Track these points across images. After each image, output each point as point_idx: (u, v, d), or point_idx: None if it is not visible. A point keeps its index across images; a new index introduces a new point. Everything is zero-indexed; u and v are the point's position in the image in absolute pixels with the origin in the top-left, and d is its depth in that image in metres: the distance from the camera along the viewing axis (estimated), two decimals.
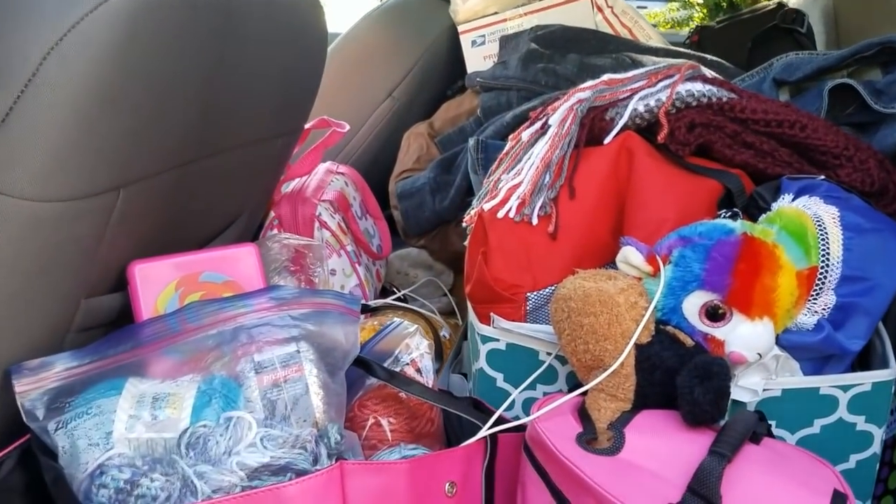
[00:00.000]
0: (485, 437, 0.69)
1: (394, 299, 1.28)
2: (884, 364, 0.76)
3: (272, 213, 1.12)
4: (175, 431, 0.62)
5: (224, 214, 0.97)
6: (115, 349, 0.67)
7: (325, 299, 0.72)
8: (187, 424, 0.63)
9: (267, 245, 0.95)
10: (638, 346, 0.69)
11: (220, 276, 0.77)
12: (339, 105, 1.61)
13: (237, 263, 0.77)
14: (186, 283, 0.75)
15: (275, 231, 1.10)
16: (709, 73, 0.93)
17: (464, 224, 0.97)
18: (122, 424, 0.61)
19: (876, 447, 0.76)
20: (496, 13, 1.59)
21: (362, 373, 0.77)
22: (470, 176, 1.22)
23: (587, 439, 0.64)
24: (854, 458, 0.76)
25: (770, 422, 0.75)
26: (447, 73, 1.72)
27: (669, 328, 0.72)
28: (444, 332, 1.19)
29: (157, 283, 0.75)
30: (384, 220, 1.37)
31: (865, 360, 0.80)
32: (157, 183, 0.73)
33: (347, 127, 1.21)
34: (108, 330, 0.74)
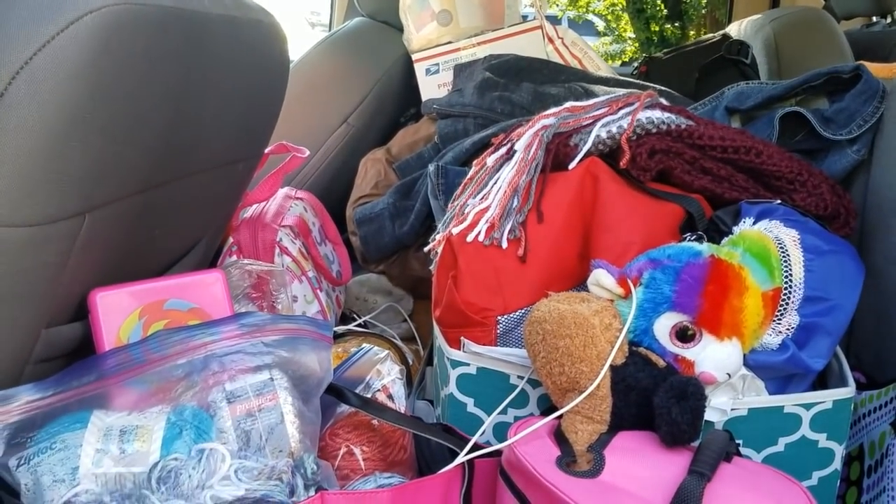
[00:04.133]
0: (462, 463, 0.69)
1: (354, 325, 1.26)
2: (842, 382, 0.79)
3: (230, 239, 1.10)
4: (145, 465, 0.60)
5: (183, 241, 0.94)
6: (78, 381, 0.64)
7: (298, 325, 0.70)
8: (157, 458, 0.60)
9: (228, 272, 0.92)
10: (613, 368, 0.70)
11: (185, 304, 0.74)
12: (294, 130, 1.60)
13: (203, 290, 0.75)
14: (150, 311, 0.73)
15: (234, 257, 1.08)
16: (665, 101, 0.96)
17: (429, 249, 0.97)
18: (88, 459, 0.58)
19: (837, 464, 0.78)
20: (450, 42, 1.61)
21: (333, 400, 0.75)
22: (430, 201, 1.23)
23: (567, 462, 0.64)
24: (816, 476, 0.79)
25: (737, 441, 0.77)
26: (401, 99, 1.73)
27: (642, 349, 0.73)
28: (408, 358, 1.18)
29: (119, 312, 0.72)
30: (343, 245, 1.35)
31: (822, 380, 0.83)
32: (123, 208, 0.70)
33: (307, 152, 1.20)
34: (69, 361, 0.71)
